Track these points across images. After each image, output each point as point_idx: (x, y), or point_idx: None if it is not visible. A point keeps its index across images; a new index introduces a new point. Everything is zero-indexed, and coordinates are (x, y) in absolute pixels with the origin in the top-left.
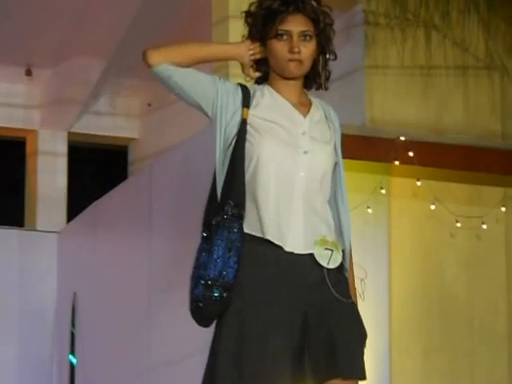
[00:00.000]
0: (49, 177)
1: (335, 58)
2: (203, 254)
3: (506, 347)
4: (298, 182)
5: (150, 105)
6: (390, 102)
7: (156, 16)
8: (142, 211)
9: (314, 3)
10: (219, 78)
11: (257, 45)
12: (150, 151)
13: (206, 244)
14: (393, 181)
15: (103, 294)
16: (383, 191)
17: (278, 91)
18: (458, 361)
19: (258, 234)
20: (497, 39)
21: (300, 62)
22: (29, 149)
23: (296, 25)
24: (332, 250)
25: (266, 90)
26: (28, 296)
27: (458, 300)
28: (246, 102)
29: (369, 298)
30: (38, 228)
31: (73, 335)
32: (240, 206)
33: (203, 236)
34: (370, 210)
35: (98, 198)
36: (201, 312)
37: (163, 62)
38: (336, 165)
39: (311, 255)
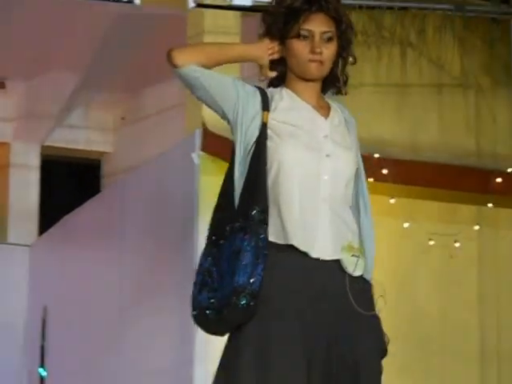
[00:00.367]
0: (21, 190)
1: (355, 61)
2: (209, 258)
3: (478, 366)
4: (323, 186)
5: (123, 119)
6: (364, 120)
7: (130, 30)
8: (114, 225)
9: (337, 3)
10: (238, 80)
11: (275, 44)
12: (123, 165)
13: (216, 249)
14: None
15: (74, 308)
16: None
17: (297, 93)
18: (430, 379)
19: (280, 241)
20: (472, 57)
21: (321, 63)
22: (1, 161)
23: (318, 25)
24: (358, 257)
25: (284, 92)
26: None
27: (431, 318)
28: (266, 105)
29: None
30: (10, 241)
31: (43, 348)
32: (265, 211)
33: (211, 240)
34: None
35: (70, 211)
36: (213, 319)
37: (190, 62)
38: (357, 171)
39: (337, 261)
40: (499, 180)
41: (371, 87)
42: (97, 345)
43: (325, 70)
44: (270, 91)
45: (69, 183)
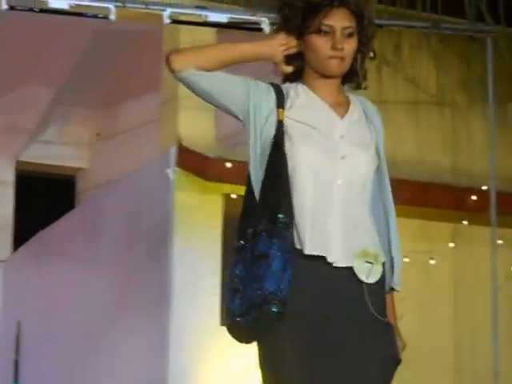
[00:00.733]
0: None
1: (374, 56)
2: (238, 265)
3: (453, 382)
4: (336, 191)
5: (98, 134)
6: None
7: (106, 46)
8: (89, 240)
9: None
10: (250, 79)
11: (291, 38)
12: (98, 181)
13: (244, 254)
14: None
15: (48, 323)
16: None
17: (315, 90)
18: None
19: (298, 247)
20: (448, 74)
21: (342, 59)
22: None
23: (340, 20)
24: (372, 263)
25: (301, 88)
26: None
27: (406, 335)
28: (281, 102)
29: None
30: None
31: (17, 363)
32: (291, 214)
33: (240, 245)
34: None
35: (45, 227)
36: (244, 326)
37: (188, 66)
38: (378, 168)
39: (350, 268)
40: (474, 198)
41: None
42: (71, 360)
43: (345, 66)
44: (285, 87)
45: (44, 199)
